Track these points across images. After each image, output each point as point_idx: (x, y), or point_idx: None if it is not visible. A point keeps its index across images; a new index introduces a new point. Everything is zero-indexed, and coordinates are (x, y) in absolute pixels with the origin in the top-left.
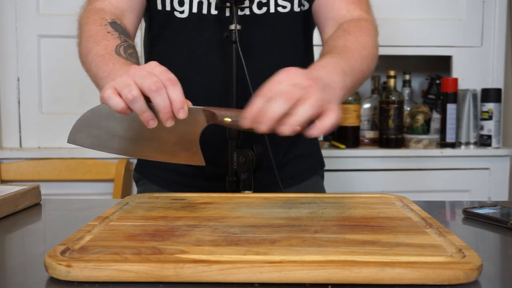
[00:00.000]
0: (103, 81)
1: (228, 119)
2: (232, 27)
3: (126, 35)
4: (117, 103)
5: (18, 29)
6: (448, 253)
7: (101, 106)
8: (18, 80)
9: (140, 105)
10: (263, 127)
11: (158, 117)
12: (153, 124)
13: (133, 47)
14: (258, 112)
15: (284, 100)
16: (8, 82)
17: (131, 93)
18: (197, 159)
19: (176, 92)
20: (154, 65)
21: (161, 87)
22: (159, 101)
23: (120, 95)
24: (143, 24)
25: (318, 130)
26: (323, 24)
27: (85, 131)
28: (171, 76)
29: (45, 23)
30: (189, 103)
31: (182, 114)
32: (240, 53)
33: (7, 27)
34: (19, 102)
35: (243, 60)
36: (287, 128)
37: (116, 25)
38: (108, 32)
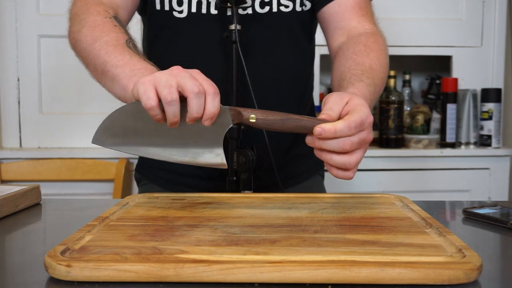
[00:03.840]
0: (118, 69)
1: (253, 116)
2: (232, 27)
3: (129, 33)
4: (152, 103)
5: (18, 29)
6: (448, 253)
7: (127, 105)
8: (18, 80)
9: (174, 109)
10: (326, 157)
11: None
12: (175, 126)
13: (137, 46)
14: (329, 136)
15: (361, 151)
16: (8, 82)
17: (171, 95)
18: (220, 161)
19: (214, 102)
20: (197, 72)
21: (202, 93)
22: (194, 104)
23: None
24: (141, 24)
25: (342, 176)
26: (331, 31)
27: (108, 131)
28: (213, 84)
29: (45, 23)
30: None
31: (207, 123)
32: (240, 53)
33: (7, 27)
34: (19, 102)
35: (243, 60)
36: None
37: (119, 21)
38: (115, 26)
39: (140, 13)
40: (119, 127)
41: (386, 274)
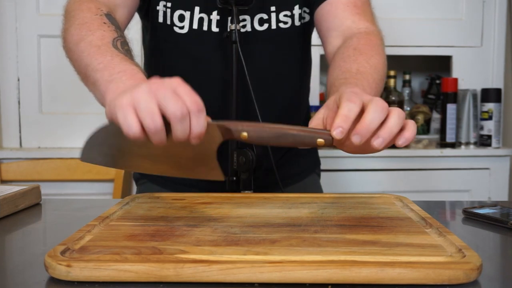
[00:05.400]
0: (97, 74)
1: (245, 134)
2: (232, 27)
3: (121, 31)
4: (134, 131)
5: (18, 29)
6: (448, 253)
7: (109, 124)
8: (18, 80)
9: (159, 137)
10: (357, 139)
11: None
12: (162, 145)
13: (128, 44)
14: (350, 121)
15: (380, 110)
16: (8, 82)
17: (155, 124)
18: (216, 174)
19: (199, 121)
20: (178, 83)
21: (186, 115)
22: (178, 129)
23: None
24: (141, 25)
25: (405, 139)
26: (325, 33)
27: (95, 149)
28: (197, 99)
29: (45, 23)
30: (208, 119)
31: (194, 141)
32: (240, 53)
33: (7, 27)
34: (19, 102)
35: (243, 60)
36: (381, 141)
37: (111, 18)
38: (105, 23)
39: (142, 18)
40: (106, 145)
41: (386, 274)
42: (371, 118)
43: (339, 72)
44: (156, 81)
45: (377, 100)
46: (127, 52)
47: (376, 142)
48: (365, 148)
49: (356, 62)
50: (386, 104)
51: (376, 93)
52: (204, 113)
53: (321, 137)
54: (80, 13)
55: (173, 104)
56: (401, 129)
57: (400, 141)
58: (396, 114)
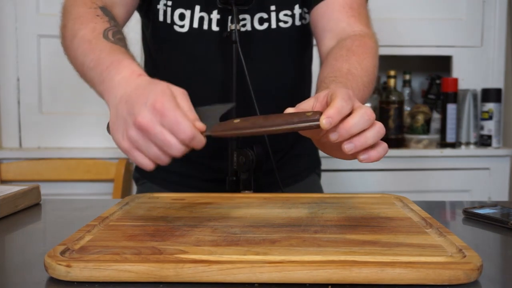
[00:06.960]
0: (92, 73)
1: (236, 120)
2: (232, 27)
3: (115, 21)
4: (147, 165)
5: (18, 29)
6: (448, 253)
7: None
8: (18, 80)
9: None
10: (334, 136)
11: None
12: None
13: (122, 33)
14: (341, 116)
15: (367, 119)
16: (8, 82)
17: (165, 161)
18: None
19: (198, 144)
20: (165, 99)
21: (181, 149)
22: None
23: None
24: (140, 25)
25: (368, 156)
26: (320, 34)
27: None
28: (188, 125)
29: (45, 23)
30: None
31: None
32: (240, 53)
33: (7, 27)
34: (19, 102)
35: (243, 60)
36: (352, 147)
37: (106, 10)
38: (97, 16)
39: (142, 16)
40: None
41: (386, 274)
42: (355, 122)
43: (330, 70)
44: (142, 104)
45: (367, 108)
46: (119, 40)
47: (347, 146)
48: (337, 151)
49: (348, 62)
50: (374, 116)
51: (363, 96)
52: (198, 135)
53: (311, 113)
54: (75, 8)
55: (170, 145)
56: (372, 146)
57: (362, 157)
58: (377, 129)
